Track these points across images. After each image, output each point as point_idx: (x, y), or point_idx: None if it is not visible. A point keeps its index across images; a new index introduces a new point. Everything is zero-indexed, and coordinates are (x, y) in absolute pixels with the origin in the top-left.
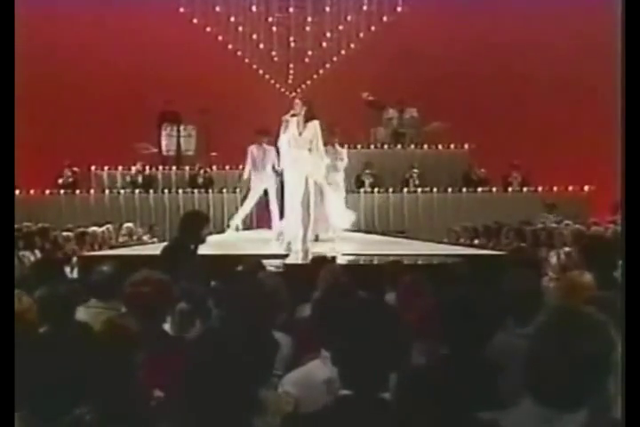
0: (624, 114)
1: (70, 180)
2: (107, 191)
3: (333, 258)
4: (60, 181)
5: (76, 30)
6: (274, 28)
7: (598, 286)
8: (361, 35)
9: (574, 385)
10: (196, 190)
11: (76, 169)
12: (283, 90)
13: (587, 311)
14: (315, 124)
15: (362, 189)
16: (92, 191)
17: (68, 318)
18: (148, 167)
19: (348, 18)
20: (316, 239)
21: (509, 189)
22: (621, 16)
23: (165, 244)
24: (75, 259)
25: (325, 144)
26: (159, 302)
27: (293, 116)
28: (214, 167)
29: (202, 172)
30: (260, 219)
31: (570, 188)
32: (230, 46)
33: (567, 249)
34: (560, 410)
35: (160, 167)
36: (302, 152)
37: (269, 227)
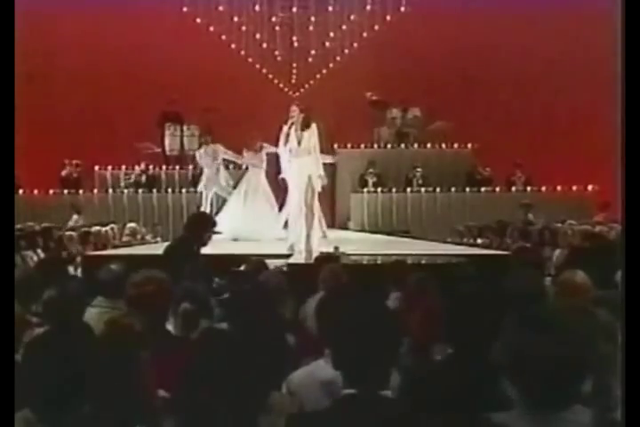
0: (624, 114)
1: (75, 175)
2: (110, 191)
3: (337, 258)
4: (64, 173)
5: (78, 29)
6: (277, 28)
7: (600, 285)
8: (364, 34)
9: (575, 385)
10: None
11: (78, 162)
12: (286, 89)
13: (587, 311)
14: (312, 131)
15: (365, 189)
16: (95, 191)
17: (77, 318)
18: (151, 167)
19: (352, 17)
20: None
21: (513, 188)
22: (621, 17)
23: (168, 243)
24: (78, 259)
25: None
26: (161, 301)
27: (292, 125)
28: None
29: None
30: None
31: (574, 187)
32: (233, 46)
33: (569, 248)
34: (562, 411)
35: (163, 167)
36: (303, 158)
37: None
